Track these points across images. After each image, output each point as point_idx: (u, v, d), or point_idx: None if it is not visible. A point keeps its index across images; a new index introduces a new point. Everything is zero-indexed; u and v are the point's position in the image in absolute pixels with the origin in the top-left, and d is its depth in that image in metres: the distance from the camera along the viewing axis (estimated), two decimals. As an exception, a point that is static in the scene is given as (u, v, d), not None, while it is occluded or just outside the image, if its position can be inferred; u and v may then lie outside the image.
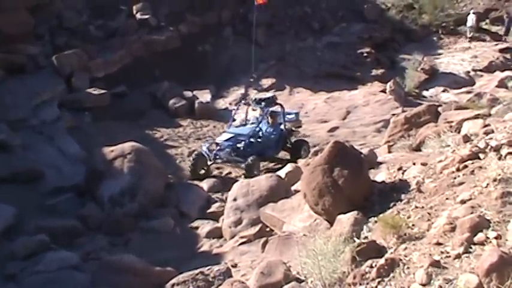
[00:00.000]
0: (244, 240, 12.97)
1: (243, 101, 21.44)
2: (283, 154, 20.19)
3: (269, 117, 20.15)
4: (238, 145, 19.12)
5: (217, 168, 19.64)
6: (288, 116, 20.62)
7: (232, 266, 10.94)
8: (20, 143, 18.93)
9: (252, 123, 20.26)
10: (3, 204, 15.36)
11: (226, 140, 19.31)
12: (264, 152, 19.60)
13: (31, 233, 14.38)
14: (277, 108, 20.27)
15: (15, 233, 14.50)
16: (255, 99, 20.27)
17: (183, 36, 28.07)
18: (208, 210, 16.69)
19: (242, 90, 26.64)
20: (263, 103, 19.92)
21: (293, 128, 20.99)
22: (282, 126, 20.24)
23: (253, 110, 20.92)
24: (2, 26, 22.42)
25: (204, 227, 15.50)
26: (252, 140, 19.50)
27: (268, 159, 19.85)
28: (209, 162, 19.14)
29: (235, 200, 14.62)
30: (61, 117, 21.41)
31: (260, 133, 19.98)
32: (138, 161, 17.31)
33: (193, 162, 19.04)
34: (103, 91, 23.44)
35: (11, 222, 14.94)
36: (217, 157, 19.08)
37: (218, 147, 19.17)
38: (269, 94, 21.40)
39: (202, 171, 19.08)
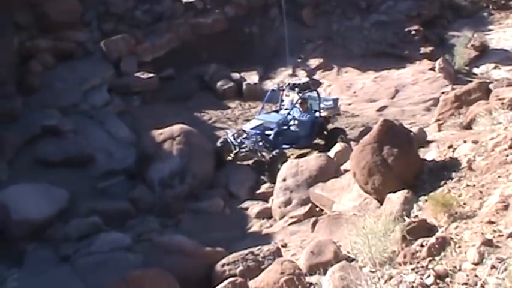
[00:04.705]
0: (293, 220, 13.01)
1: (277, 86, 20.01)
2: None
3: (299, 104, 19.02)
4: (268, 133, 18.15)
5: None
6: (325, 102, 19.59)
7: (282, 246, 10.99)
8: (71, 128, 19.23)
9: (286, 109, 19.23)
10: (57, 187, 15.73)
11: (253, 128, 18.33)
12: (297, 141, 18.64)
13: (84, 216, 14.74)
14: (313, 94, 19.24)
15: (68, 216, 14.85)
16: (289, 84, 19.10)
17: (229, 18, 27.97)
18: (258, 191, 16.77)
19: (290, 71, 26.49)
20: (296, 89, 18.78)
21: (330, 116, 19.75)
22: (317, 114, 19.12)
23: (286, 95, 19.90)
24: (51, 14, 22.74)
25: (253, 207, 15.60)
26: (284, 127, 18.61)
27: (302, 148, 18.74)
28: (234, 151, 18.15)
29: (284, 180, 14.68)
30: (110, 102, 21.66)
31: (292, 121, 19.00)
32: (187, 143, 17.45)
33: (219, 149, 18.16)
34: (151, 75, 23.58)
35: (65, 205, 15.33)
36: (243, 145, 18.08)
37: (244, 135, 18.26)
38: (303, 79, 20.01)
39: (229, 158, 18.27)
